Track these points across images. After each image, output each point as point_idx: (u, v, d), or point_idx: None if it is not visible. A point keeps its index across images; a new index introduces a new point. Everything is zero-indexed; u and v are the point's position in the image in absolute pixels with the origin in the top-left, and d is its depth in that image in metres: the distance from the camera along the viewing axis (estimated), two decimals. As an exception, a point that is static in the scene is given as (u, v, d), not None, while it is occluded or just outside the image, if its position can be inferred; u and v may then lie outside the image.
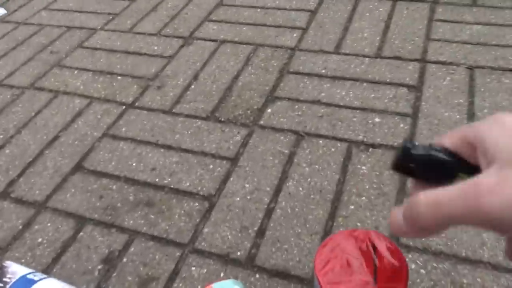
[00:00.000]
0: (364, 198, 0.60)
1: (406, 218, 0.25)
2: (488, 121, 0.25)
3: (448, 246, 0.54)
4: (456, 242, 0.54)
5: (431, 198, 0.24)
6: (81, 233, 0.60)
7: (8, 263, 0.49)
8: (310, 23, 0.97)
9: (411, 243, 0.54)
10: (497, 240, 0.54)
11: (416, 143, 0.28)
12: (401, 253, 0.37)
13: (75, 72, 0.91)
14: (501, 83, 0.75)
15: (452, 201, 0.23)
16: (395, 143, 0.67)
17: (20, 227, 0.62)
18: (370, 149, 0.67)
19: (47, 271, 0.56)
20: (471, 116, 0.70)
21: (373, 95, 0.76)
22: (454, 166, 0.27)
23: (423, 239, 0.55)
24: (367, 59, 0.84)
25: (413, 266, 0.52)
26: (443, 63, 0.81)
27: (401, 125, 0.70)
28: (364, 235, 0.38)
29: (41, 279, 0.47)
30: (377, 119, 0.71)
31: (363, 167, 0.64)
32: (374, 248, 0.37)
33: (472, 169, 0.25)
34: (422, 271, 0.52)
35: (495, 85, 0.75)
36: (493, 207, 0.22)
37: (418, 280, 0.51)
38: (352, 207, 0.59)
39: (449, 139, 0.27)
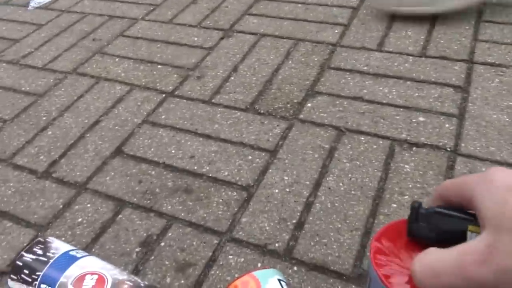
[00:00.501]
0: (407, 197, 0.59)
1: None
2: (480, 177, 0.26)
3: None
4: None
5: (426, 263, 0.25)
6: (120, 216, 0.61)
7: (51, 239, 0.50)
8: (352, 20, 0.95)
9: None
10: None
11: (424, 205, 0.29)
12: None
13: (116, 59, 0.92)
14: (554, 87, 0.72)
15: (446, 272, 0.24)
16: (441, 143, 0.65)
17: (61, 206, 0.63)
18: (414, 148, 0.65)
19: (87, 250, 0.57)
20: (521, 119, 0.67)
21: (417, 94, 0.74)
22: (463, 221, 0.27)
23: None
24: (411, 57, 0.82)
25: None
26: (491, 64, 0.78)
27: (447, 125, 0.68)
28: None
29: (83, 256, 0.48)
30: (421, 118, 0.70)
31: (406, 166, 0.63)
32: None
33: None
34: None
35: (547, 89, 0.72)
36: (482, 277, 0.22)
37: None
38: (395, 205, 0.58)
39: (451, 193, 0.28)
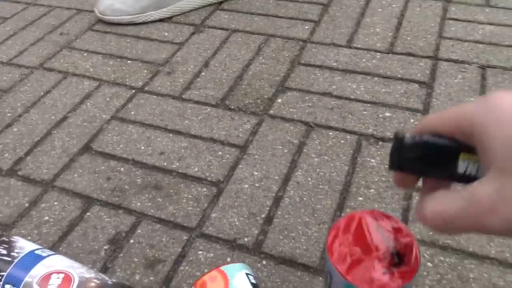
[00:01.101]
0: (373, 190, 0.60)
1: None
2: (484, 105, 0.23)
3: (455, 241, 0.54)
4: (463, 238, 0.54)
5: (436, 213, 0.24)
6: (88, 213, 0.60)
7: (16, 238, 0.49)
8: (322, 16, 0.96)
9: (418, 236, 0.54)
10: (504, 237, 0.54)
11: (409, 135, 0.27)
12: (408, 229, 0.37)
13: (85, 54, 0.91)
14: (513, 83, 0.75)
15: (457, 219, 0.23)
16: (405, 138, 0.67)
17: (27, 204, 0.62)
18: (380, 143, 0.67)
19: (53, 249, 0.56)
20: (482, 114, 0.70)
21: (384, 90, 0.76)
22: (453, 150, 0.25)
23: (431, 233, 0.55)
24: (379, 54, 0.84)
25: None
26: (455, 61, 0.81)
27: (412, 120, 0.70)
28: (371, 215, 0.38)
29: (49, 255, 0.47)
30: (387, 114, 0.71)
31: (373, 160, 0.64)
32: (382, 226, 0.37)
33: (473, 149, 0.24)
34: (429, 264, 0.52)
35: (506, 85, 0.75)
36: (494, 225, 0.22)
37: (425, 273, 0.51)
38: (361, 198, 0.59)
39: (441, 126, 0.26)
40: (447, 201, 0.24)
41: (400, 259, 0.35)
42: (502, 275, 0.50)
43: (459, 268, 0.51)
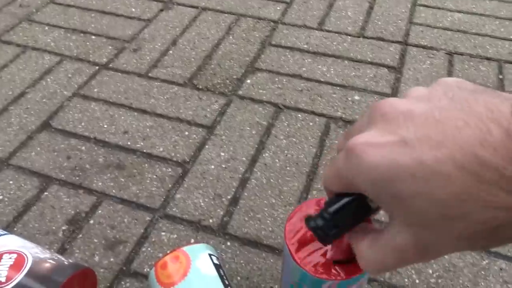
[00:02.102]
0: (339, 173, 0.60)
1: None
2: (351, 165, 0.22)
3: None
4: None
5: (372, 263, 0.24)
6: (45, 193, 0.57)
7: (-35, 217, 0.46)
8: (294, -2, 0.95)
9: (382, 219, 0.55)
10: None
11: (316, 217, 0.27)
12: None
13: (46, 28, 0.86)
14: (478, 70, 0.76)
15: (388, 268, 0.24)
16: (373, 121, 0.67)
17: (-20, 183, 0.59)
18: (348, 126, 0.66)
19: (8, 229, 0.53)
20: (448, 100, 0.71)
21: (354, 73, 0.76)
22: (360, 200, 0.25)
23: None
24: (349, 37, 0.84)
25: (384, 240, 0.53)
26: (424, 47, 0.81)
27: (380, 104, 0.70)
28: None
29: (1, 235, 0.45)
30: (356, 97, 0.71)
31: (340, 143, 0.64)
32: None
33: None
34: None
35: (472, 71, 0.76)
36: (419, 262, 0.23)
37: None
38: (328, 181, 0.59)
39: (336, 187, 0.25)
40: (377, 256, 0.24)
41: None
42: (462, 256, 0.51)
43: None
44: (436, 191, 0.18)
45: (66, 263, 0.43)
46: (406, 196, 0.19)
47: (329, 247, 0.33)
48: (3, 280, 0.41)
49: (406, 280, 0.49)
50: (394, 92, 0.72)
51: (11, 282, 0.40)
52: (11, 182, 0.59)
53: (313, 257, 0.33)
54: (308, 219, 0.28)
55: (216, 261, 0.44)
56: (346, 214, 0.26)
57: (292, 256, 0.33)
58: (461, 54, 0.80)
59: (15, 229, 0.53)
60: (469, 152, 0.18)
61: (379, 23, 0.87)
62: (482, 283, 0.49)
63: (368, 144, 0.21)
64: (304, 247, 0.33)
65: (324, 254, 0.33)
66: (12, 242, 0.44)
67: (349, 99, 0.71)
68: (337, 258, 0.33)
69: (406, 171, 0.19)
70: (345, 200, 0.25)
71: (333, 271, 0.32)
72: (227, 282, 0.42)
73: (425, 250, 0.21)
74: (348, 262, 0.33)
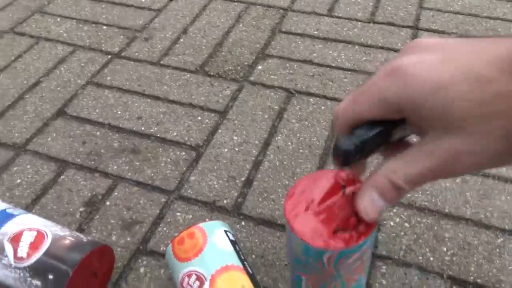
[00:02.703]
0: (352, 154, 0.60)
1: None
2: (396, 80, 0.23)
3: (432, 203, 0.54)
4: (440, 200, 0.55)
5: (410, 176, 0.26)
6: (62, 177, 0.58)
7: (-14, 197, 0.48)
8: (303, -14, 0.95)
9: (396, 198, 0.55)
10: (480, 199, 0.55)
11: (344, 139, 0.28)
12: None
13: (58, 19, 0.87)
14: (490, 53, 0.76)
15: (427, 177, 0.26)
16: (385, 104, 0.67)
17: (-2, 168, 0.60)
18: (360, 109, 0.67)
19: (26, 211, 0.54)
20: (460, 82, 0.70)
21: (364, 58, 0.76)
22: (388, 133, 0.27)
23: (409, 195, 0.55)
24: (360, 23, 0.84)
25: (397, 220, 0.53)
26: (434, 31, 0.81)
27: (391, 87, 0.70)
28: (332, 173, 0.36)
29: (21, 214, 0.46)
30: (367, 81, 0.71)
31: (352, 126, 0.64)
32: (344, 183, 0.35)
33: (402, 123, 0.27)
34: (406, 224, 0.52)
35: (484, 55, 0.76)
36: (459, 172, 0.25)
37: (402, 233, 0.52)
38: (340, 162, 0.59)
39: (367, 113, 0.26)
40: (416, 164, 0.25)
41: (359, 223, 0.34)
42: (477, 235, 0.51)
43: (435, 228, 0.52)
44: (479, 92, 0.21)
45: (85, 240, 0.44)
46: (451, 100, 0.21)
47: (328, 215, 0.33)
48: (24, 256, 0.42)
49: (420, 258, 0.49)
50: (406, 76, 0.72)
51: (32, 258, 0.41)
52: (28, 166, 0.60)
53: (313, 229, 0.33)
54: (337, 140, 0.30)
55: (232, 238, 0.44)
56: (373, 141, 0.27)
57: (293, 229, 0.33)
58: (474, 37, 0.79)
59: (34, 211, 0.54)
60: (505, 57, 0.21)
61: (389, 8, 0.87)
62: (497, 261, 0.49)
63: (412, 63, 0.23)
64: (304, 220, 0.33)
65: (323, 225, 0.33)
66: (32, 220, 0.45)
67: (360, 83, 0.71)
68: (338, 227, 0.33)
69: (452, 79, 0.21)
70: (374, 131, 0.27)
71: (333, 241, 0.32)
72: (243, 257, 0.43)
73: (460, 158, 0.23)
74: (349, 231, 0.33)
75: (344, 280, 0.36)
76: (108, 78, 0.74)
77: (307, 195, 0.35)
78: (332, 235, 0.32)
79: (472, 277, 0.47)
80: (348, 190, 0.34)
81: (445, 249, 0.50)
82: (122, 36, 0.83)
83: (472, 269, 0.48)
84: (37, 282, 0.41)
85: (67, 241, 0.43)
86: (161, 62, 0.76)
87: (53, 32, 0.84)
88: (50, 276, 0.41)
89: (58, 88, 0.72)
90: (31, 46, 0.81)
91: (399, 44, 0.78)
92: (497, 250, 0.50)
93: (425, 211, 0.54)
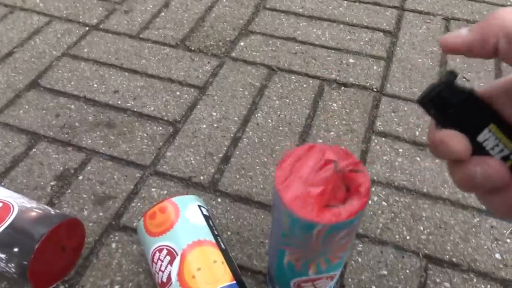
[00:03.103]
0: (332, 133, 0.59)
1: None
2: None
3: (411, 182, 0.54)
4: (418, 179, 0.55)
5: None
6: (34, 150, 0.56)
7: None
8: (290, -38, 0.93)
9: (375, 177, 0.54)
10: (458, 179, 0.54)
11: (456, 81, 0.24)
12: (357, 160, 0.35)
13: (34, -11, 0.84)
14: (475, 35, 0.75)
15: None
16: (368, 84, 0.66)
17: (-34, 140, 0.57)
18: (342, 88, 0.66)
19: (-5, 184, 0.52)
20: (443, 63, 0.70)
21: (349, 37, 0.74)
22: (488, 116, 0.24)
23: (388, 175, 0.55)
24: (345, 2, 0.82)
25: (375, 198, 0.52)
26: (420, 12, 0.80)
27: (375, 67, 0.69)
28: (332, 149, 0.36)
29: (-13, 185, 0.44)
30: (351, 60, 0.70)
31: (334, 104, 0.63)
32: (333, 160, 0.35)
33: (506, 126, 0.24)
34: (384, 203, 0.52)
35: (469, 37, 0.75)
36: None
37: (379, 212, 0.51)
38: (320, 140, 0.58)
39: (490, 88, 0.24)
40: None
41: (347, 195, 0.33)
42: (454, 215, 0.51)
43: (413, 207, 0.52)
44: None
45: (53, 213, 0.43)
46: None
47: (320, 188, 0.32)
48: (-11, 228, 0.40)
49: (397, 236, 0.49)
50: (390, 56, 0.71)
51: (-3, 230, 0.40)
52: (-2, 139, 0.58)
53: (303, 201, 0.32)
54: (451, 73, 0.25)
55: (205, 212, 0.43)
56: (471, 109, 0.24)
57: (282, 200, 0.32)
58: (458, 19, 0.79)
59: (3, 184, 0.53)
60: None
61: (376, -12, 0.86)
62: (473, 240, 0.49)
63: None
64: (294, 192, 0.33)
65: (315, 199, 0.32)
66: (-2, 192, 0.43)
67: (344, 62, 0.70)
68: (329, 202, 0.32)
69: None
70: (483, 103, 0.24)
71: (324, 214, 0.31)
72: (216, 233, 0.42)
73: None
74: (340, 205, 0.32)
75: (329, 257, 0.35)
76: (85, 50, 0.71)
77: (298, 167, 0.34)
78: (324, 209, 0.32)
79: (447, 256, 0.47)
80: (341, 164, 0.33)
81: (421, 228, 0.50)
82: (101, 8, 0.80)
83: (448, 248, 0.48)
84: (1, 254, 0.39)
85: (33, 213, 0.41)
86: (141, 36, 0.74)
87: (29, 2, 0.81)
88: (15, 249, 0.39)
89: (32, 59, 0.69)
90: (5, 15, 0.78)
91: (384, 24, 0.77)
92: (473, 230, 0.50)
93: (403, 190, 0.53)
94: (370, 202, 0.52)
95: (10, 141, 0.57)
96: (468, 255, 0.48)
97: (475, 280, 0.46)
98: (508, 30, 0.21)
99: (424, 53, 0.72)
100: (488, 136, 0.24)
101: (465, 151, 0.23)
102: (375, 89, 0.65)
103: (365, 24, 0.77)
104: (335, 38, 0.74)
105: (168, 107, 0.62)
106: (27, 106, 0.62)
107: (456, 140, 0.23)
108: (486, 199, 0.25)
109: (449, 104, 0.24)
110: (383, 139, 0.59)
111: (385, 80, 0.67)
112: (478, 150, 0.24)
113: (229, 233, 0.49)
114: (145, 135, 0.59)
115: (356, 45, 0.73)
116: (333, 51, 0.72)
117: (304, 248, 0.34)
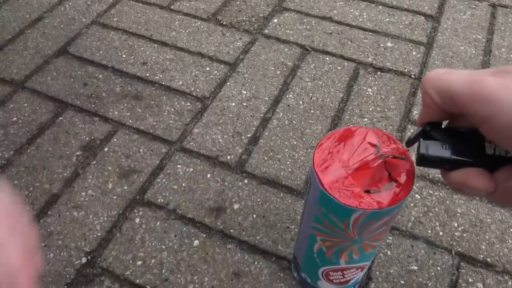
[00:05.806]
0: (366, 119, 0.57)
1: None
2: (502, 79, 0.20)
3: (446, 176, 0.52)
4: (455, 173, 0.52)
5: None
6: (60, 118, 0.56)
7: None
8: None
9: (409, 169, 0.52)
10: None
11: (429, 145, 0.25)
12: (401, 145, 0.33)
13: (66, -47, 0.82)
14: (523, 24, 0.71)
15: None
16: (406, 70, 0.63)
17: (-6, 104, 0.57)
18: (378, 73, 0.63)
19: (20, 150, 0.52)
20: (487, 53, 0.66)
21: (388, 19, 0.71)
22: (475, 131, 0.23)
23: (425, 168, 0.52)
24: (386, -18, 0.78)
25: (408, 190, 0.50)
26: (465, -4, 0.76)
27: (414, 52, 0.66)
28: (364, 131, 0.33)
29: None
30: (389, 44, 0.67)
31: (369, 89, 0.60)
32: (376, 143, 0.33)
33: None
34: (417, 196, 0.50)
35: (516, 26, 0.71)
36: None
37: (412, 204, 0.49)
38: (353, 126, 0.56)
39: (455, 94, 0.23)
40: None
41: (391, 182, 0.31)
42: (490, 213, 0.49)
43: (447, 202, 0.49)
44: None
45: None
46: None
47: (360, 173, 0.30)
48: None
49: (429, 231, 0.47)
50: (430, 41, 0.67)
51: None
52: (25, 104, 0.57)
53: (343, 186, 0.30)
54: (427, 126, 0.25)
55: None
56: (463, 140, 0.24)
57: (321, 183, 0.30)
58: (505, 6, 0.74)
59: (29, 151, 0.52)
60: None
61: (419, -31, 0.81)
62: (510, 241, 0.47)
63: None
64: (333, 175, 0.31)
65: (355, 184, 0.30)
66: None
67: (381, 45, 0.67)
68: (370, 187, 0.30)
69: None
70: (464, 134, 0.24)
71: (364, 200, 0.29)
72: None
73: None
74: (381, 192, 0.30)
75: (363, 245, 0.34)
76: (115, 19, 0.69)
77: (337, 150, 0.32)
78: (364, 194, 0.30)
79: (481, 256, 0.45)
80: (383, 150, 0.31)
81: (455, 224, 0.48)
82: (132, -23, 0.78)
83: (483, 247, 0.46)
84: None
85: None
86: (172, 7, 0.72)
87: (60, -33, 0.79)
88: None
89: (62, 26, 0.68)
90: (35, -21, 0.76)
91: (426, 8, 0.73)
92: (511, 230, 0.47)
93: (438, 184, 0.51)
94: (402, 193, 0.50)
95: (37, 108, 0.56)
96: (504, 256, 0.45)
97: (510, 283, 0.44)
98: (434, 83, 0.23)
99: (467, 40, 0.68)
100: (493, 146, 0.24)
101: (489, 183, 0.23)
102: (413, 76, 0.62)
103: (405, 6, 0.73)
104: (373, 20, 0.71)
105: (197, 82, 0.60)
106: (55, 73, 0.61)
107: (475, 180, 0.23)
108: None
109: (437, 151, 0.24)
110: (419, 128, 0.56)
111: (424, 67, 0.63)
112: (496, 160, 0.24)
113: (254, 216, 0.47)
114: (173, 109, 0.57)
115: (395, 28, 0.69)
116: (370, 33, 0.68)
117: (338, 235, 0.33)
